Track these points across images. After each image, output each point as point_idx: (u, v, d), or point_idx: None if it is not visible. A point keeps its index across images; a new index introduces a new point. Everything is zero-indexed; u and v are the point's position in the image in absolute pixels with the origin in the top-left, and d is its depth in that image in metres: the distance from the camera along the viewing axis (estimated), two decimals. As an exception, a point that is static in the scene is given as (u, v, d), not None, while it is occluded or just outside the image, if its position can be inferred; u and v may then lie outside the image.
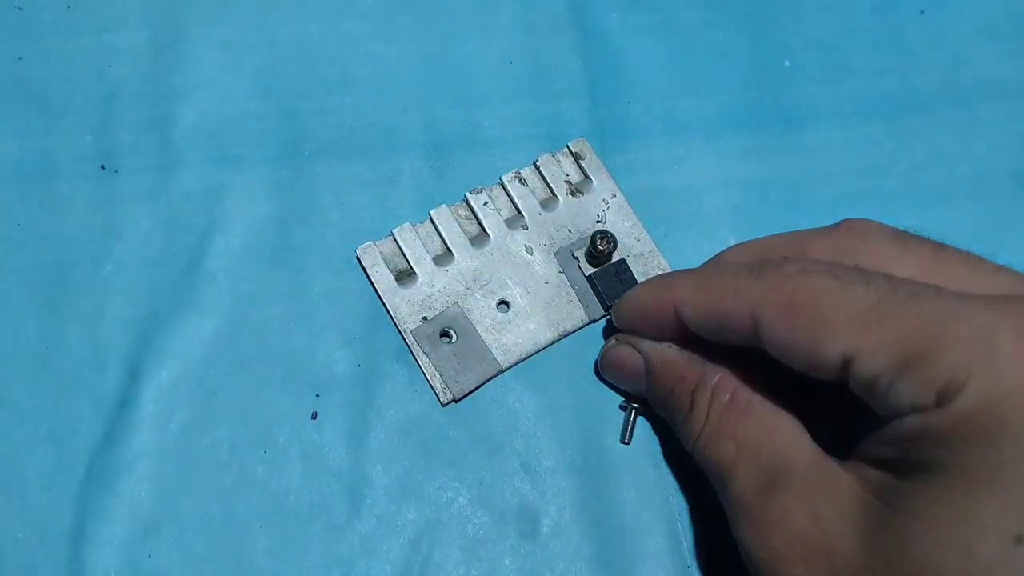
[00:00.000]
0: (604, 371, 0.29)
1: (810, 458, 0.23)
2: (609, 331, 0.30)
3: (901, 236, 0.25)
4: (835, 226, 0.26)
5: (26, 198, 0.30)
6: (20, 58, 0.32)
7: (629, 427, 0.29)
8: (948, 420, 0.19)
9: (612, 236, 0.30)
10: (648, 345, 0.27)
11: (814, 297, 0.21)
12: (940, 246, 0.24)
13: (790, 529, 0.22)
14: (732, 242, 0.32)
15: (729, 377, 0.25)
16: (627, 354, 0.28)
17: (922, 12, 0.36)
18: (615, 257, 0.30)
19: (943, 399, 0.19)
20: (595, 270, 0.30)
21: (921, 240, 0.24)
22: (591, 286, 0.30)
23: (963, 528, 0.18)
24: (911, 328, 0.20)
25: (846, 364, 0.21)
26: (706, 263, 0.29)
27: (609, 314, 0.30)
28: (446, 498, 0.28)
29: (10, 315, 0.28)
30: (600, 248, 0.30)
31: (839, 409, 0.24)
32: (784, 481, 0.22)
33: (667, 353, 0.26)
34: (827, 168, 0.33)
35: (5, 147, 0.30)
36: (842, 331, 0.21)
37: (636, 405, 0.29)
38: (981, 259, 0.23)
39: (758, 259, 0.24)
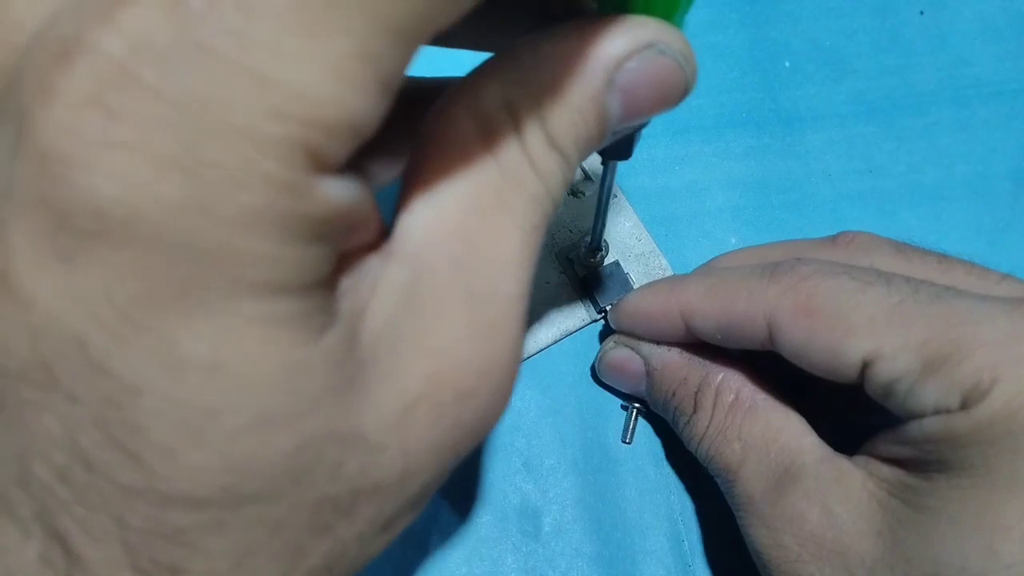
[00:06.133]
0: (603, 374, 0.29)
1: (819, 455, 0.22)
2: (605, 333, 0.30)
3: (903, 248, 0.24)
4: (832, 238, 0.25)
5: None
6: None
7: (630, 426, 0.29)
8: (973, 423, 0.19)
9: (604, 243, 0.30)
10: (648, 348, 0.27)
11: (832, 299, 0.21)
12: (944, 257, 0.24)
13: (802, 527, 0.22)
14: (732, 242, 0.32)
15: (732, 377, 0.25)
16: (627, 357, 0.27)
17: (922, 12, 0.36)
18: (608, 259, 0.30)
19: (968, 402, 0.19)
20: (587, 272, 0.30)
21: (924, 252, 0.24)
22: (584, 288, 0.30)
23: (986, 527, 0.18)
24: (935, 330, 0.19)
25: (865, 367, 0.20)
26: (698, 270, 0.28)
27: (602, 317, 0.30)
28: (448, 497, 0.28)
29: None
30: (590, 261, 0.30)
31: (843, 407, 0.23)
32: (794, 479, 0.22)
33: (668, 356, 0.26)
34: (827, 168, 0.33)
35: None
36: (863, 333, 0.20)
37: (637, 405, 0.29)
38: (986, 269, 0.23)
39: (768, 262, 0.24)
